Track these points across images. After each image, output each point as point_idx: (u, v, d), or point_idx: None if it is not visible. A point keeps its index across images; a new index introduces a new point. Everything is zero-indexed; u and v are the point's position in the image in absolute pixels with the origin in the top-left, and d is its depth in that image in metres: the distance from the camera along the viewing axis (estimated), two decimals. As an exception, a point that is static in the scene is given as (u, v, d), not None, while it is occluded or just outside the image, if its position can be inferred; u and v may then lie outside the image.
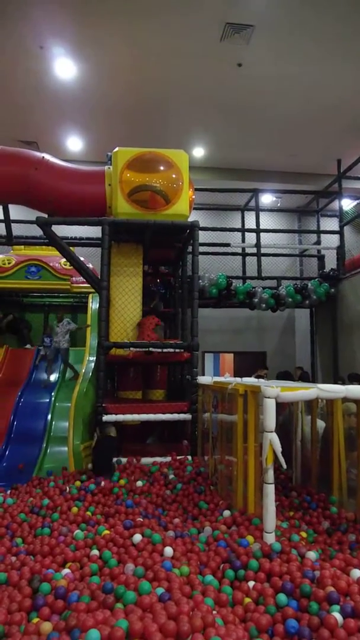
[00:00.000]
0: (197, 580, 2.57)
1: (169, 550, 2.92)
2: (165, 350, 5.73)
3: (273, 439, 3.03)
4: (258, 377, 7.02)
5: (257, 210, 9.32)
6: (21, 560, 2.90)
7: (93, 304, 8.13)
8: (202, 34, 6.73)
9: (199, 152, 9.97)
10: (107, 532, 3.28)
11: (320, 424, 4.31)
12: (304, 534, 3.29)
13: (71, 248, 6.42)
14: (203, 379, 5.39)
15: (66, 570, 2.73)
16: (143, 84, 7.84)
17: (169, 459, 5.21)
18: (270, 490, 3.03)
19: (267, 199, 11.29)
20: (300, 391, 3.27)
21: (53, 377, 7.52)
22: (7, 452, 5.71)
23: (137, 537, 3.11)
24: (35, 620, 2.26)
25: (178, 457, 5.21)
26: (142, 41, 6.88)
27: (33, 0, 6.12)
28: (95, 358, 6.57)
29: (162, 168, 6.06)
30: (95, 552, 3.00)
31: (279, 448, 3.01)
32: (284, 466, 3.14)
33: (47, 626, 2.13)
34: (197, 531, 3.40)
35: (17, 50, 7.04)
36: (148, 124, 8.96)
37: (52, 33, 6.72)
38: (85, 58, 7.28)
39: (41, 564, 2.80)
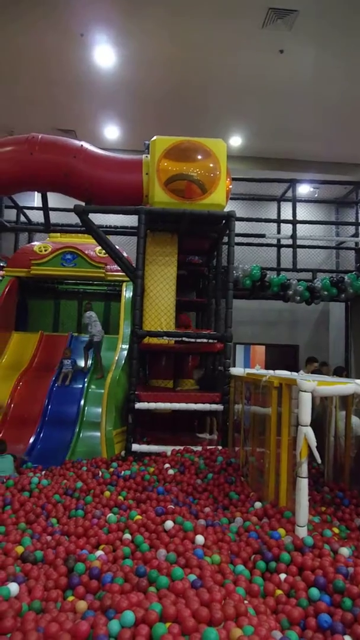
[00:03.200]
0: (228, 570, 2.59)
1: (200, 539, 2.95)
2: (198, 340, 5.75)
3: (308, 433, 3.00)
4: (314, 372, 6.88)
5: (294, 201, 9.17)
6: (56, 539, 2.99)
7: (127, 293, 8.19)
8: (244, 20, 6.57)
9: (236, 141, 9.81)
10: (139, 517, 3.34)
11: (356, 422, 4.24)
12: (336, 530, 3.25)
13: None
14: (235, 370, 5.38)
15: (100, 552, 2.80)
16: (182, 72, 7.74)
17: (199, 448, 5.24)
18: (303, 484, 3.01)
19: (304, 189, 11.04)
20: (337, 386, 3.22)
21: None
22: (41, 435, 5.86)
23: (169, 524, 3.15)
24: (71, 598, 2.33)
25: (208, 447, 5.23)
26: (183, 28, 6.78)
27: (75, -13, 6.14)
28: (128, 346, 6.64)
29: (199, 157, 6.02)
30: (127, 536, 3.06)
31: (313, 442, 2.98)
32: (319, 461, 3.11)
33: (82, 604, 2.19)
34: (227, 521, 3.42)
35: (58, 38, 7.06)
36: (186, 113, 8.86)
37: (94, 20, 6.71)
38: (126, 45, 7.24)
39: (76, 545, 2.88)
